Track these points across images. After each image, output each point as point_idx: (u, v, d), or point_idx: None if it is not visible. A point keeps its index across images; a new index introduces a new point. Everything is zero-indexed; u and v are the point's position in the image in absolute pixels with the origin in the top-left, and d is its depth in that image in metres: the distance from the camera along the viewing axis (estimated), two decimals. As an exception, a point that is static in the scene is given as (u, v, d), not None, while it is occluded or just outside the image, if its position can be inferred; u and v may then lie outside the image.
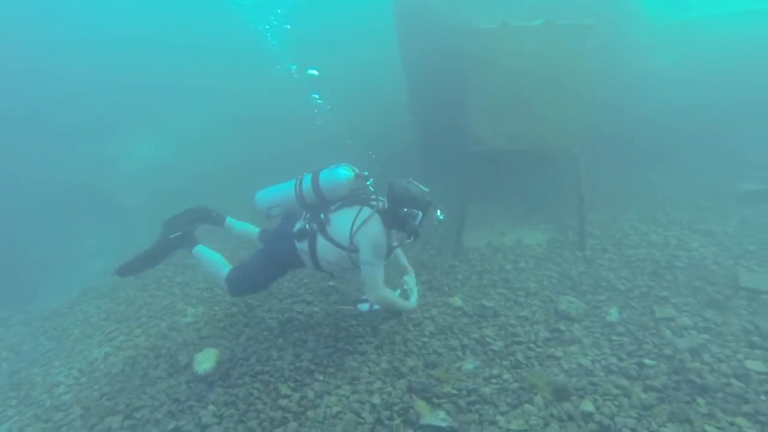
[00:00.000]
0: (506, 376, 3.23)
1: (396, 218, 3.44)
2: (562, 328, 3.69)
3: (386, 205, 3.51)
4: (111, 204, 9.03)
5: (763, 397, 2.76)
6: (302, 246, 3.60)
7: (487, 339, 3.63)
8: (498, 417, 2.88)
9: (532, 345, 3.52)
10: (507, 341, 3.60)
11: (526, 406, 2.93)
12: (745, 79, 5.86)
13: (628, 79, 6.23)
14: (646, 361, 3.20)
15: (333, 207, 3.63)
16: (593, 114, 6.03)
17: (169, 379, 3.69)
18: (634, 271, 4.42)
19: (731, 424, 2.61)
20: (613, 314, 3.77)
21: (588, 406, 2.86)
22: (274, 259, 3.75)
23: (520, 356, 3.40)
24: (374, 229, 3.40)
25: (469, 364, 3.40)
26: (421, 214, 3.41)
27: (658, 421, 2.70)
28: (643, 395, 2.91)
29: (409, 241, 3.53)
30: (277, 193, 3.84)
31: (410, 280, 3.90)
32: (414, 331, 3.84)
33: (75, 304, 5.58)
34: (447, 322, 3.90)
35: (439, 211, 3.53)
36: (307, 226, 3.58)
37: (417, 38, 6.18)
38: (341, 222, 3.52)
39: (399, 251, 3.91)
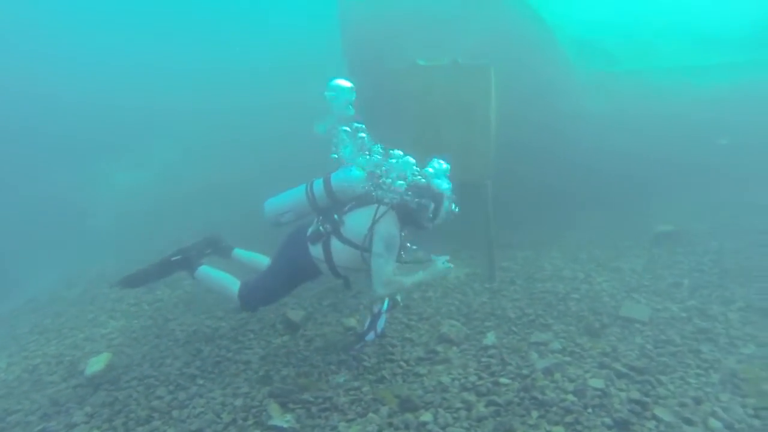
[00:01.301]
0: (365, 388, 3.34)
1: (408, 211, 3.53)
2: (439, 349, 3.81)
3: (397, 200, 3.58)
4: (83, 222, 9.39)
5: (590, 410, 2.87)
6: (317, 251, 3.63)
7: (363, 356, 3.76)
8: (341, 423, 2.99)
9: (402, 363, 3.64)
10: (381, 359, 3.72)
11: (371, 415, 3.05)
12: (665, 127, 6.17)
13: (563, 126, 6.57)
14: (503, 380, 3.31)
15: (346, 208, 3.68)
16: (531, 160, 6.35)
17: (61, 384, 3.82)
18: (532, 301, 4.57)
19: (548, 432, 2.72)
20: (490, 338, 3.90)
21: (427, 416, 2.97)
22: (289, 268, 3.76)
23: (386, 372, 3.51)
24: (388, 223, 3.49)
25: (340, 378, 3.52)
26: (432, 204, 3.51)
27: (484, 431, 2.81)
28: (483, 409, 3.02)
29: (420, 231, 3.65)
30: (288, 199, 3.83)
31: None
32: (302, 346, 4.00)
33: (8, 318, 5.78)
34: (335, 340, 4.05)
35: (453, 204, 3.59)
36: (321, 228, 3.62)
37: (363, 75, 6.60)
38: (356, 221, 3.58)
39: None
